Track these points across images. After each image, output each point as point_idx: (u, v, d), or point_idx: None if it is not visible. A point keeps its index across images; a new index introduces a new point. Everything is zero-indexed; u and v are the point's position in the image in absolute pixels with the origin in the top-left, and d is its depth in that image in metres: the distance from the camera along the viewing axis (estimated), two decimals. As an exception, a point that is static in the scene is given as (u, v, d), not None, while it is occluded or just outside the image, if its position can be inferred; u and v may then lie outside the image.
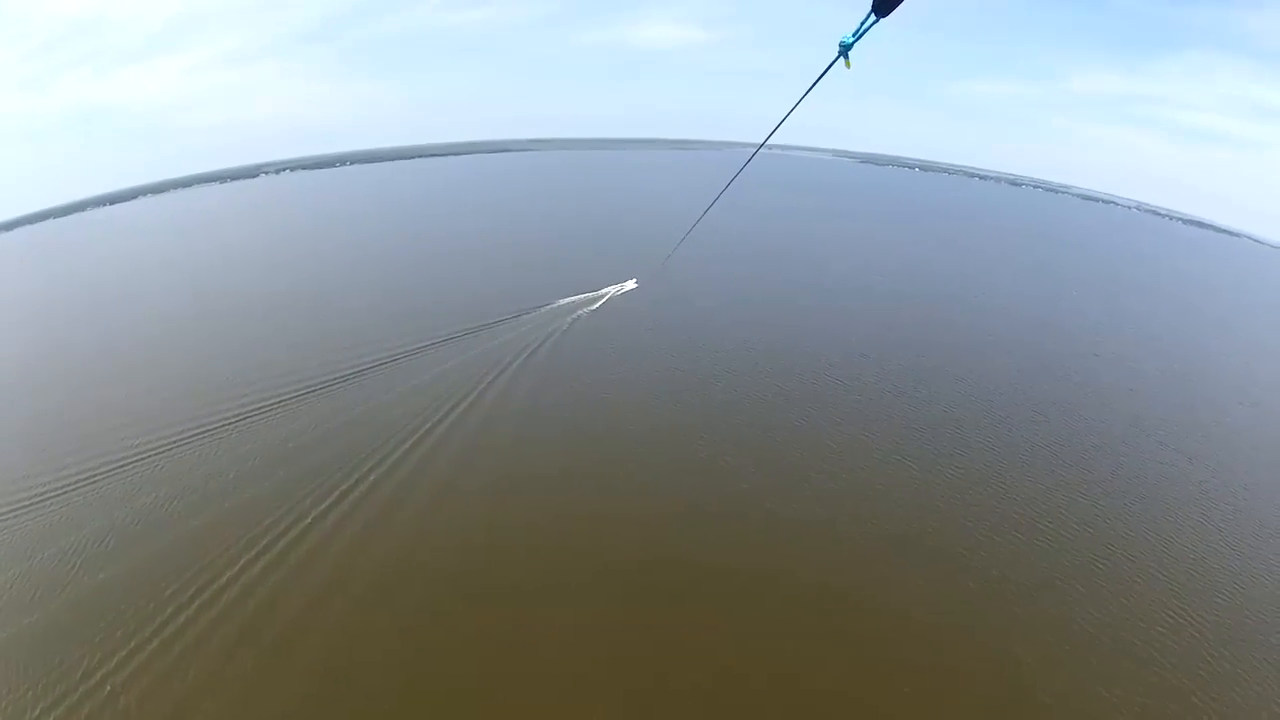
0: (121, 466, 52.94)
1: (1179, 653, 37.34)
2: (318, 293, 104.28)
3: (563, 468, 52.61)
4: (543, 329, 77.08)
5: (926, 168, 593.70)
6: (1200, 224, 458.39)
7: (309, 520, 44.25)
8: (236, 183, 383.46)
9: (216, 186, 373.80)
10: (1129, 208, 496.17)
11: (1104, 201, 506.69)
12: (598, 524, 46.06)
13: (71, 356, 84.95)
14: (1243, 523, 51.12)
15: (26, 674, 34.40)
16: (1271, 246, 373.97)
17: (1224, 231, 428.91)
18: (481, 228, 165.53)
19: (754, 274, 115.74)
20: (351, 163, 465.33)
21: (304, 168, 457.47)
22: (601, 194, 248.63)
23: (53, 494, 49.88)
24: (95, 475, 51.96)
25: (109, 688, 33.01)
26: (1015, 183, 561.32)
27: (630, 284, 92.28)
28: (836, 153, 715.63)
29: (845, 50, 12.46)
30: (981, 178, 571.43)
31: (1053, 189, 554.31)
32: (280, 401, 61.69)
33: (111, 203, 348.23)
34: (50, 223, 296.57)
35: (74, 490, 50.26)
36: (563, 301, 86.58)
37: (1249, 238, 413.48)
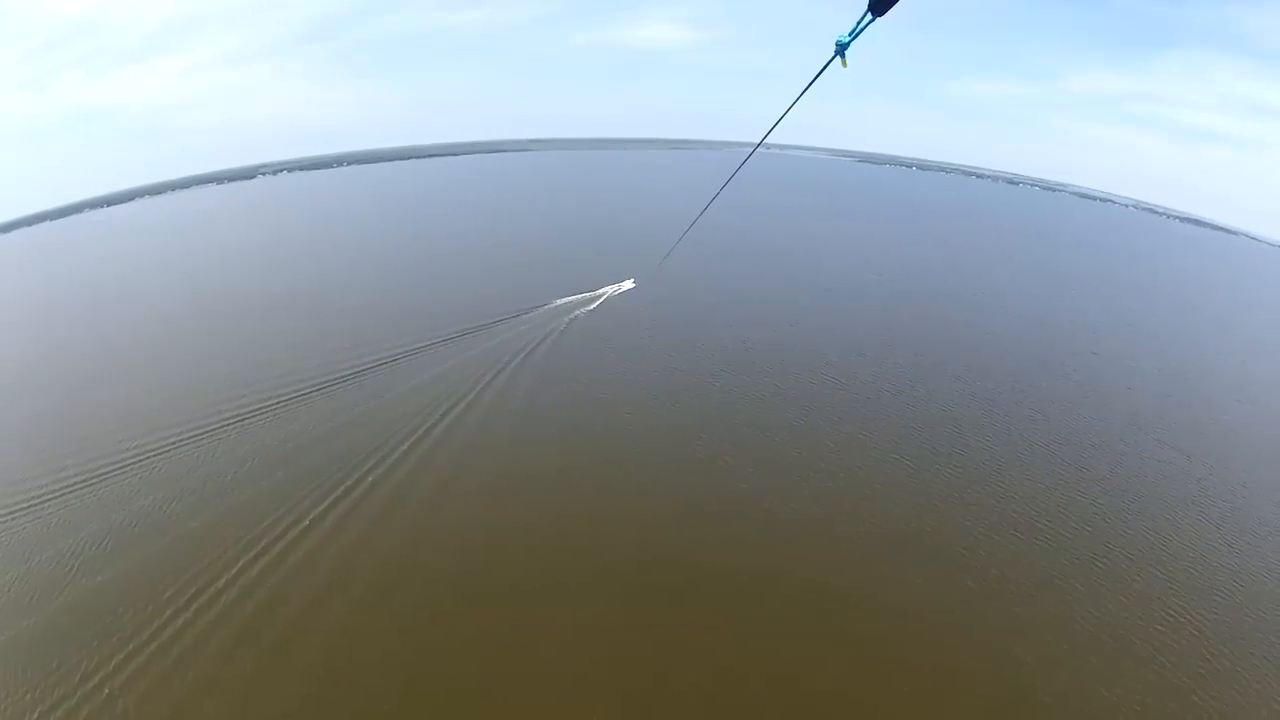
0: (119, 468, 52.86)
1: (1179, 651, 37.35)
2: (315, 294, 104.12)
3: (561, 468, 52.57)
4: (540, 329, 77.05)
5: (924, 167, 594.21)
6: (1197, 222, 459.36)
7: (307, 521, 44.17)
8: (234, 184, 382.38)
9: (214, 188, 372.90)
10: (1126, 206, 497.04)
11: (1101, 200, 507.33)
12: (597, 524, 46.01)
13: (68, 358, 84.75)
14: (1241, 520, 51.17)
15: (25, 677, 34.30)
16: (1268, 244, 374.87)
17: (1221, 229, 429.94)
18: (480, 228, 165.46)
19: (751, 273, 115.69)
20: (349, 163, 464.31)
21: (301, 168, 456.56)
22: (599, 194, 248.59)
23: (50, 496, 49.78)
24: (93, 477, 51.84)
25: (107, 691, 32.92)
26: (1013, 181, 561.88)
27: (628, 284, 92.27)
28: (834, 152, 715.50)
29: (842, 49, 12.45)
30: (979, 176, 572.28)
31: (1050, 188, 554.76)
32: (278, 402, 61.60)
33: (109, 204, 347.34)
34: (47, 224, 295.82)
35: (72, 492, 50.16)
36: (560, 301, 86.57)
37: (1246, 235, 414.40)
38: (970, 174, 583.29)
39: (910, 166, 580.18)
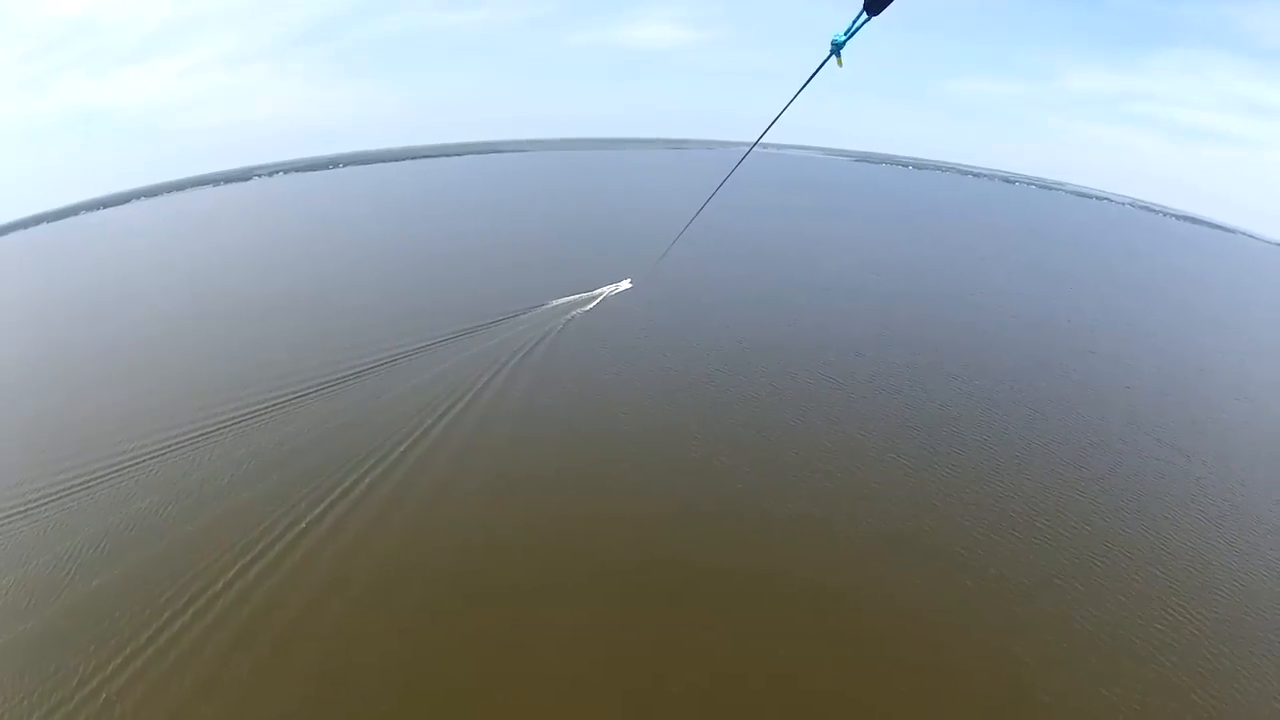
0: (116, 471, 52.72)
1: (1178, 650, 37.35)
2: (312, 296, 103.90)
3: (559, 468, 52.53)
4: (538, 329, 77.03)
5: (920, 166, 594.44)
6: (1195, 220, 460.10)
7: (305, 524, 44.09)
8: (230, 186, 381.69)
9: (210, 190, 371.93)
10: (1123, 204, 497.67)
11: (1098, 198, 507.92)
12: (594, 524, 45.99)
13: (65, 360, 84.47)
14: (1240, 519, 51.21)
15: (22, 681, 34.18)
16: (1266, 242, 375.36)
17: (1219, 228, 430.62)
18: (478, 228, 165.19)
19: (748, 273, 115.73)
20: (345, 164, 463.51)
21: (297, 170, 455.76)
22: (597, 194, 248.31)
23: (47, 499, 49.64)
24: (90, 480, 51.73)
25: (105, 695, 32.81)
26: (1009, 180, 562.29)
27: (625, 284, 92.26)
28: (830, 151, 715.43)
29: (837, 49, 12.39)
30: (975, 175, 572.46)
31: (1046, 186, 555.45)
32: (275, 404, 61.50)
33: (105, 206, 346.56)
34: (44, 227, 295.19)
35: (69, 495, 50.02)
36: (557, 302, 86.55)
37: (1244, 234, 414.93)
38: (966, 173, 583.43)
39: (906, 166, 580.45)
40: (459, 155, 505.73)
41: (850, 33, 11.91)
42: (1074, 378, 77.48)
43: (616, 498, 49.03)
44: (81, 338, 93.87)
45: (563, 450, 55.16)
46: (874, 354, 78.51)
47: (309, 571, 40.36)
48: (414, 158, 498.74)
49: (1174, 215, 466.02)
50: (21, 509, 48.73)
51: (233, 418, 59.64)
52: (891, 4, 10.58)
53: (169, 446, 55.82)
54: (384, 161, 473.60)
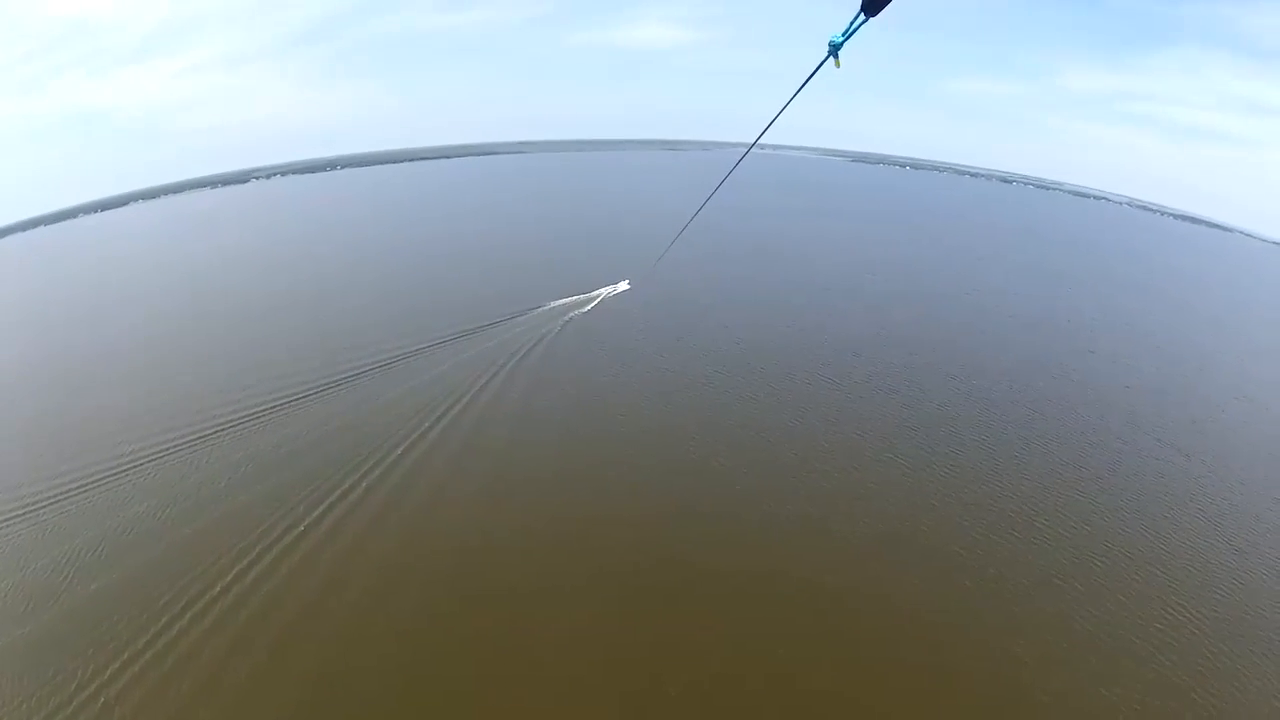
0: (114, 474, 52.66)
1: (1178, 649, 37.35)
2: (311, 298, 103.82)
3: (557, 470, 52.51)
4: (536, 331, 77.00)
5: (917, 166, 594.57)
6: (1192, 219, 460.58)
7: (303, 527, 44.05)
8: (228, 188, 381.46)
9: (208, 192, 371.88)
10: (1120, 204, 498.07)
11: (1095, 198, 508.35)
12: (592, 526, 45.97)
13: (63, 362, 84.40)
14: (1239, 518, 51.24)
15: (21, 686, 34.13)
16: (1264, 241, 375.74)
17: (1217, 227, 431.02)
18: (476, 229, 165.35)
19: (746, 274, 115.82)
20: (344, 166, 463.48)
21: (295, 172, 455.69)
22: (595, 196, 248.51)
23: (46, 502, 49.61)
24: (88, 483, 51.68)
25: (104, 699, 32.77)
26: (1006, 180, 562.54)
27: (623, 285, 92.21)
28: (826, 151, 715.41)
29: (835, 50, 12.36)
30: (972, 175, 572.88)
31: (1044, 186, 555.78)
32: (274, 407, 61.44)
33: (103, 209, 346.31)
34: (42, 229, 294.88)
35: (67, 498, 49.96)
36: (556, 303, 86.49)
37: (1241, 232, 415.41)
38: (964, 173, 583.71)
39: (904, 166, 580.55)
40: (457, 157, 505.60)
41: (848, 34, 11.87)
42: (1073, 377, 77.48)
43: (614, 499, 48.99)
44: (80, 340, 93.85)
45: (561, 452, 55.12)
46: (871, 354, 78.54)
47: (307, 574, 40.32)
48: (412, 159, 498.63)
49: (1172, 214, 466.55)
50: (20, 512, 48.68)
51: (231, 420, 59.58)
52: (889, 5, 10.56)
53: (167, 449, 55.75)
54: (382, 164, 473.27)
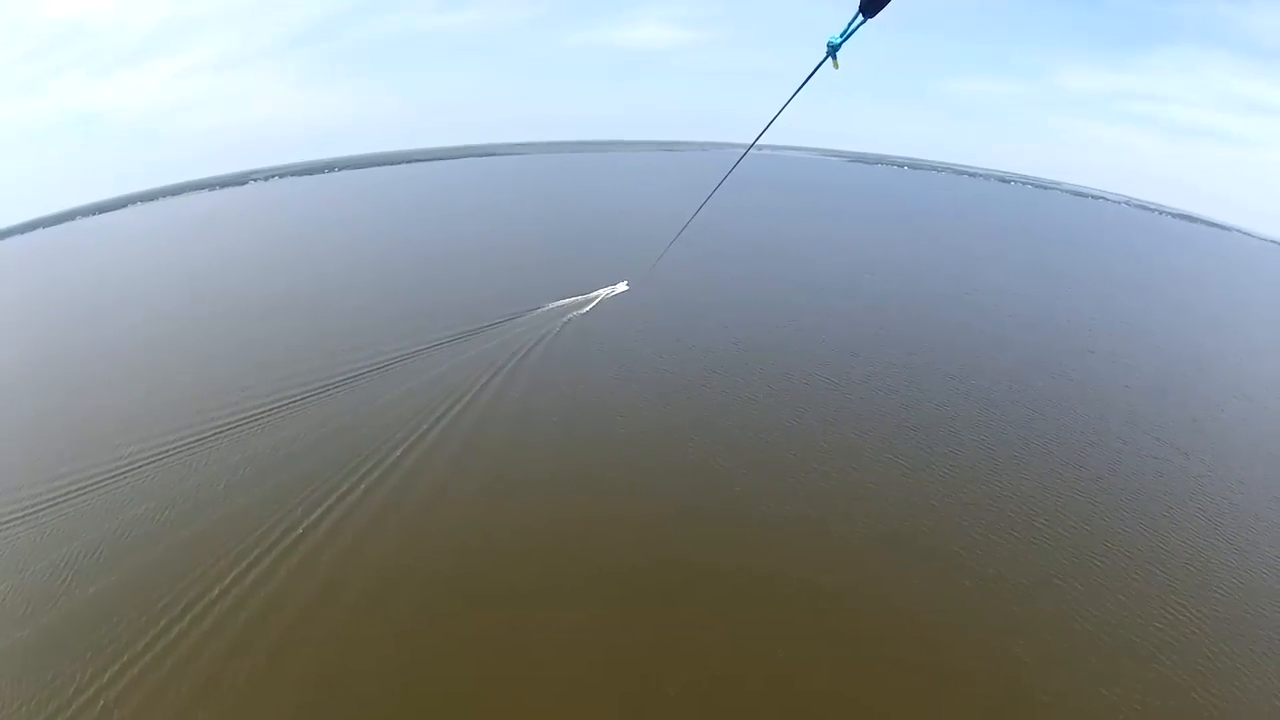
0: (112, 476, 52.61)
1: (1178, 649, 37.34)
2: (309, 299, 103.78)
3: (556, 471, 52.47)
4: (535, 332, 76.89)
5: (916, 166, 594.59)
6: (1191, 218, 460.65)
7: (301, 529, 44.00)
8: (226, 190, 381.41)
9: (206, 194, 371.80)
10: (1119, 203, 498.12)
11: (1094, 197, 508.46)
12: (592, 526, 45.94)
13: (62, 364, 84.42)
14: (1239, 517, 51.25)
15: (19, 689, 34.08)
16: (1263, 240, 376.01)
17: (1215, 226, 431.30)
18: (475, 230, 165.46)
19: (744, 274, 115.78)
20: (342, 168, 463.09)
21: (294, 174, 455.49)
22: (594, 196, 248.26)
23: (45, 505, 49.56)
24: (87, 485, 51.66)
25: (103, 702, 32.70)
26: (1004, 180, 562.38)
27: (622, 286, 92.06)
28: (825, 152, 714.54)
29: (833, 51, 12.35)
30: (971, 175, 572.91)
31: (1042, 185, 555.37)
32: (272, 408, 61.36)
33: (102, 211, 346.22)
34: (41, 232, 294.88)
35: (66, 501, 49.91)
36: (555, 304, 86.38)
37: (1239, 231, 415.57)
38: (962, 173, 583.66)
39: (902, 166, 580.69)
40: (456, 158, 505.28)
41: (846, 35, 11.86)
42: (1072, 377, 77.48)
43: (614, 500, 48.96)
44: (79, 341, 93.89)
45: (560, 453, 55.09)
46: (870, 354, 78.53)
47: (306, 576, 40.27)
48: (411, 161, 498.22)
49: (1171, 214, 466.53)
50: (19, 515, 48.66)
51: (229, 422, 59.52)
52: (887, 6, 10.55)
53: (166, 451, 55.69)
54: (381, 165, 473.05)
